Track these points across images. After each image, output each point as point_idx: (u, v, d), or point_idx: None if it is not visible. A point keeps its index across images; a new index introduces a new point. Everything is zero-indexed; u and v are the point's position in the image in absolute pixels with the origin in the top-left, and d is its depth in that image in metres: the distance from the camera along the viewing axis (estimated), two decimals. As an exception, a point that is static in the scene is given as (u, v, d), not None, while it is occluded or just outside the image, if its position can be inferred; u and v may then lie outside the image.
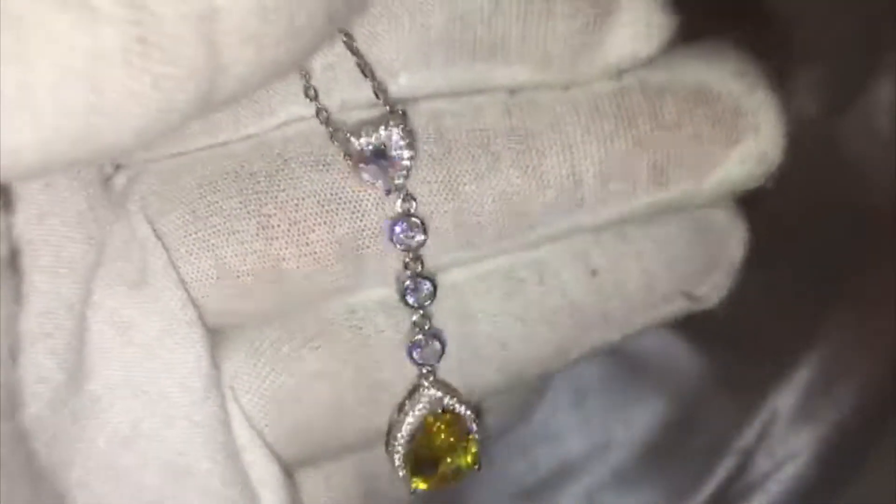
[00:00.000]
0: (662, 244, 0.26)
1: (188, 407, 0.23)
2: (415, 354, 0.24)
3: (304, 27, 0.19)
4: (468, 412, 0.25)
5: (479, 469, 0.26)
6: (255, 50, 0.18)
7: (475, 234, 0.24)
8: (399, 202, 0.23)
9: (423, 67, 0.23)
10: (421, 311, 0.24)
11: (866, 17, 0.34)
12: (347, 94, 0.23)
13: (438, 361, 0.24)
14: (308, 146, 0.24)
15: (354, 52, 0.23)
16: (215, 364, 0.23)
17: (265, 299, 0.24)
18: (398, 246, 0.23)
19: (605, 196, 0.24)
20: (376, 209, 0.23)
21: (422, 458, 0.25)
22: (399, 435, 0.25)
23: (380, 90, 0.23)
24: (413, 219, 0.23)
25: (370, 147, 0.23)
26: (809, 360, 0.35)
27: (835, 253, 0.35)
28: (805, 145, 0.36)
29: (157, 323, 0.22)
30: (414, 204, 0.23)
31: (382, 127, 0.23)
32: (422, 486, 0.25)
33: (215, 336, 0.24)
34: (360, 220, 0.23)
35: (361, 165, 0.23)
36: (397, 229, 0.23)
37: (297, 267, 0.23)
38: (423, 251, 0.24)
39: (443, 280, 0.24)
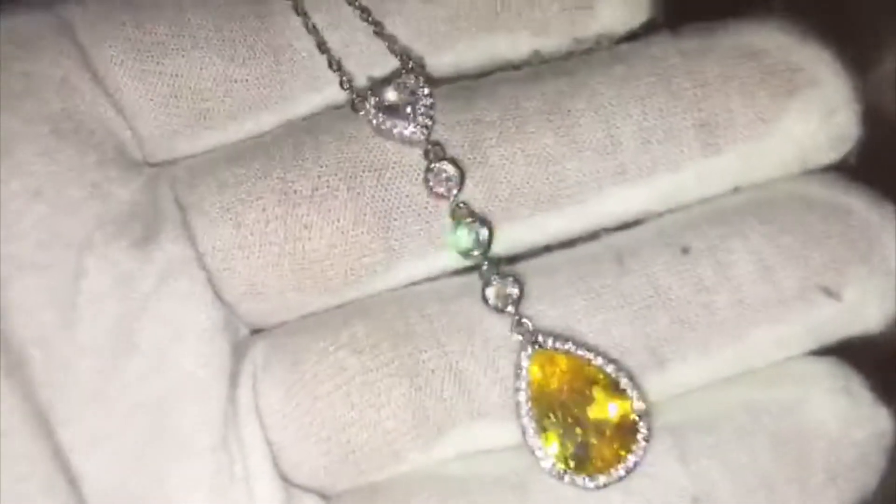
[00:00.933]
0: (773, 224, 0.22)
1: (182, 354, 0.23)
2: (508, 310, 0.22)
3: None
4: (581, 350, 0.21)
5: (646, 415, 0.20)
6: None
7: (511, 203, 0.23)
8: (423, 157, 0.23)
9: (428, 45, 0.24)
10: (485, 262, 0.22)
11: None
12: (364, 64, 0.24)
13: (518, 304, 0.22)
14: (333, 121, 0.24)
15: (368, 20, 0.24)
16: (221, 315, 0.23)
17: (291, 273, 0.23)
18: (437, 190, 0.23)
19: (650, 162, 0.22)
20: (400, 179, 0.23)
21: (557, 431, 0.21)
22: (521, 393, 0.21)
23: (393, 45, 0.24)
24: (444, 164, 0.23)
25: (394, 98, 0.23)
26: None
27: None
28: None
29: (157, 275, 0.22)
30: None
31: (403, 76, 0.24)
32: (587, 472, 0.20)
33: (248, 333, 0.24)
34: (384, 190, 0.23)
35: (383, 116, 0.23)
36: (430, 178, 0.23)
37: (321, 235, 0.23)
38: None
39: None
